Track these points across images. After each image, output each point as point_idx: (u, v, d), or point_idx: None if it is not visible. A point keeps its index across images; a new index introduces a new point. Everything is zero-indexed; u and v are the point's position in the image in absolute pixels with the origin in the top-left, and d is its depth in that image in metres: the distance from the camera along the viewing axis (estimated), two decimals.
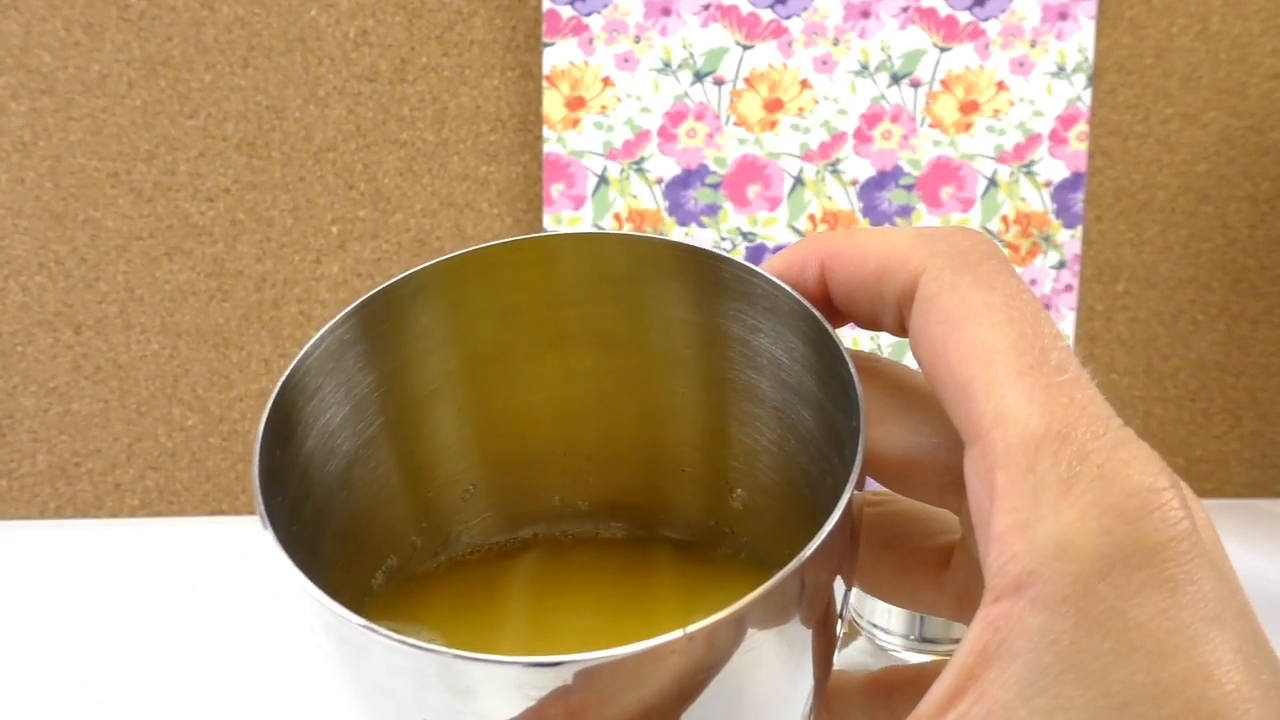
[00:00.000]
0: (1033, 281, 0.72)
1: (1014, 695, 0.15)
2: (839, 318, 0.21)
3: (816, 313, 0.20)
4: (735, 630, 0.16)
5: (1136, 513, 0.15)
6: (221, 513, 0.72)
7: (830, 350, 0.20)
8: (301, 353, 0.21)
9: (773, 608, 0.17)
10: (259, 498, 0.19)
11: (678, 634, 0.16)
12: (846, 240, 0.20)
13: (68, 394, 0.70)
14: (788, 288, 0.21)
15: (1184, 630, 0.15)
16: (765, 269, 0.21)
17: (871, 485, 0.22)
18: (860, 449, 0.18)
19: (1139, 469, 0.16)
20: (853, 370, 0.19)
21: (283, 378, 0.21)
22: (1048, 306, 0.73)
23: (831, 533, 0.17)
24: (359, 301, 0.22)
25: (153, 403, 0.71)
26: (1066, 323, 0.73)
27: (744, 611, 0.16)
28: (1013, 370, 0.16)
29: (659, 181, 0.70)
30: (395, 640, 0.17)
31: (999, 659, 0.15)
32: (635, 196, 0.70)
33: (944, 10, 0.69)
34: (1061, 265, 0.72)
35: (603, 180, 0.70)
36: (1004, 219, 0.71)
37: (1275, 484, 0.76)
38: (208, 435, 0.71)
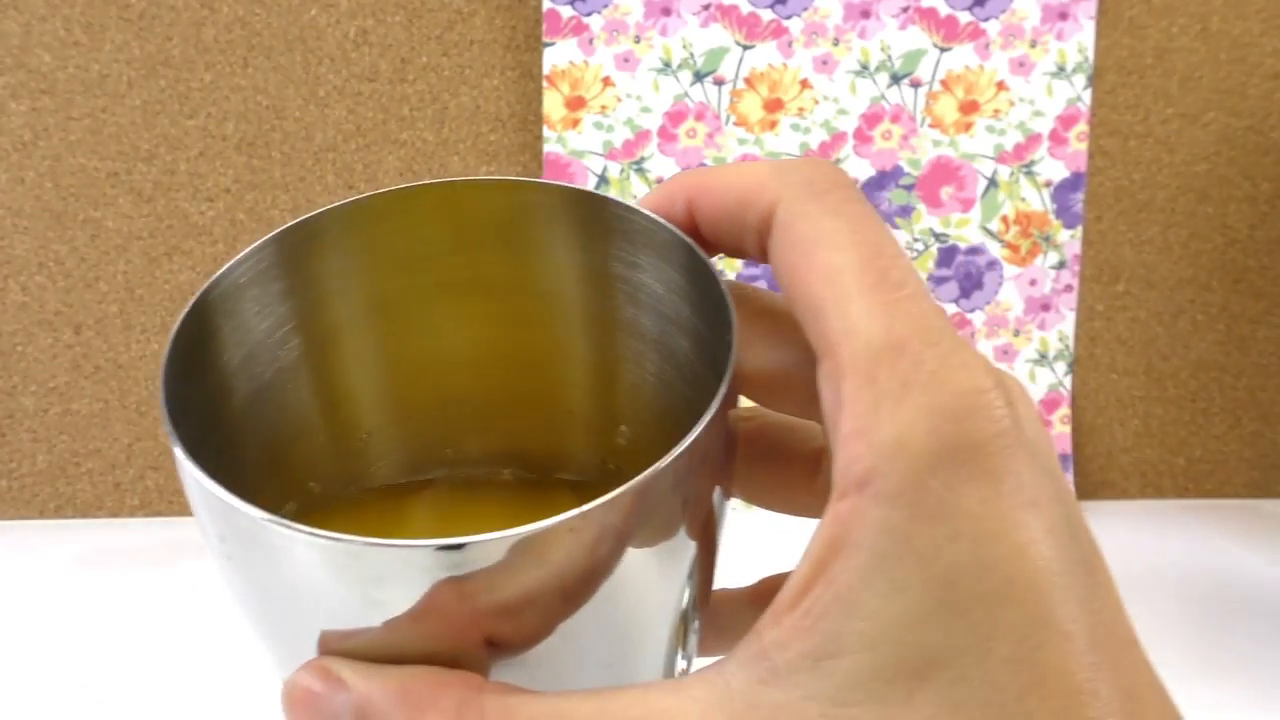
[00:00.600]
0: (1032, 282, 0.72)
1: (858, 580, 0.17)
2: (708, 248, 0.22)
3: (690, 241, 0.22)
4: (627, 510, 0.17)
5: (962, 412, 0.17)
6: None
7: (704, 275, 0.21)
8: (204, 286, 0.22)
9: (660, 493, 0.18)
10: (167, 420, 0.19)
11: (574, 512, 0.17)
12: (710, 175, 0.22)
13: (67, 394, 0.70)
14: (663, 221, 0.22)
15: (1004, 516, 0.17)
16: (640, 205, 0.23)
17: (746, 405, 0.23)
18: (731, 359, 0.20)
19: (966, 374, 0.17)
20: (724, 290, 0.21)
21: (182, 313, 0.21)
22: (1047, 307, 0.73)
23: (711, 420, 0.18)
24: (259, 242, 0.22)
25: (153, 402, 0.71)
26: (1067, 323, 0.73)
27: (636, 488, 0.17)
28: (856, 288, 0.18)
29: (659, 181, 0.70)
30: (305, 532, 0.17)
31: (844, 549, 0.17)
32: (635, 196, 0.70)
33: (944, 10, 0.69)
34: (1061, 265, 0.72)
35: (603, 180, 0.70)
36: (1004, 219, 0.71)
37: (1275, 484, 0.76)
38: None
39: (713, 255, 0.22)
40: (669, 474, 0.18)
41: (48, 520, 0.72)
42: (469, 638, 0.18)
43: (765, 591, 0.25)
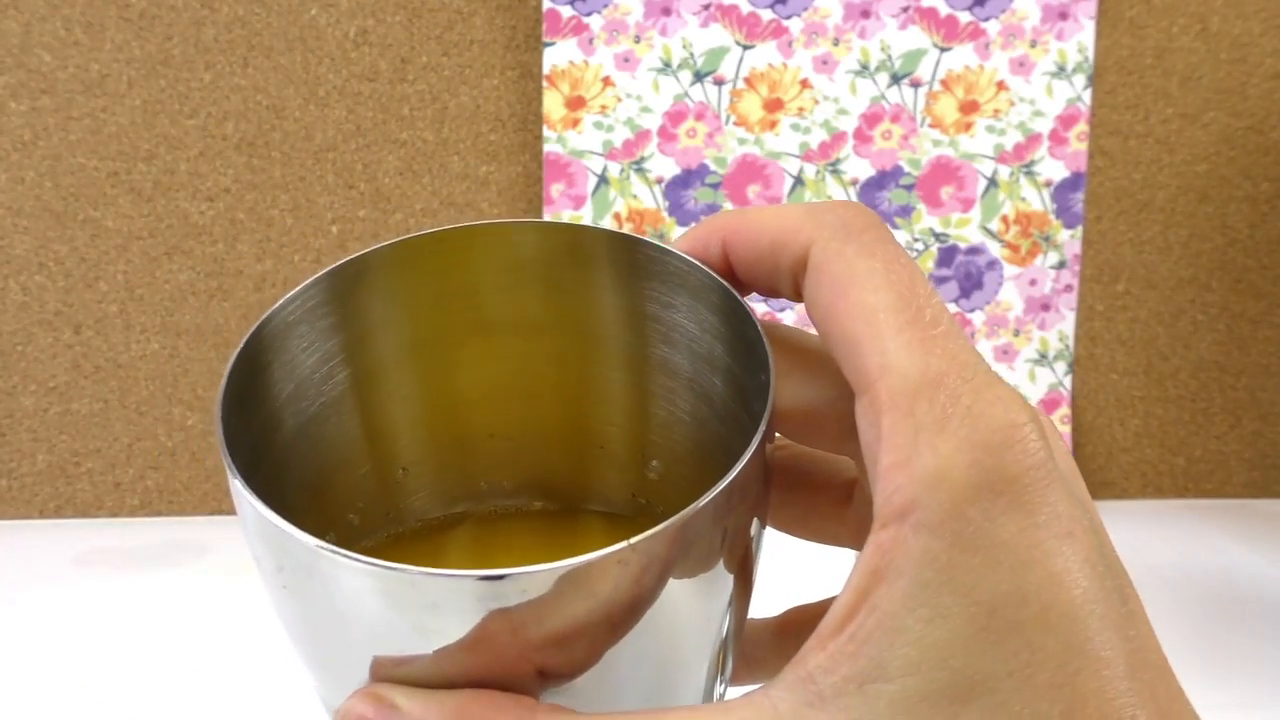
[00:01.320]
0: (1032, 282, 0.72)
1: (900, 606, 0.17)
2: (742, 288, 0.23)
3: (725, 283, 0.22)
4: (672, 542, 0.18)
5: (1000, 446, 0.17)
6: (221, 512, 0.72)
7: (739, 316, 0.22)
8: (257, 323, 0.23)
9: (702, 526, 0.18)
10: (225, 453, 0.20)
11: (622, 545, 0.17)
12: (743, 218, 0.22)
13: (67, 393, 0.70)
14: (698, 263, 0.23)
15: (1040, 546, 0.17)
16: (675, 247, 0.23)
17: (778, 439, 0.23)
18: (770, 397, 0.20)
19: (1002, 408, 0.18)
20: (760, 330, 0.21)
21: (236, 350, 0.22)
22: (1047, 307, 0.73)
23: (751, 456, 0.19)
24: (310, 280, 0.23)
25: (153, 402, 0.71)
26: (1067, 323, 0.73)
27: (681, 521, 0.18)
28: (893, 327, 0.19)
29: (659, 181, 0.70)
30: (361, 561, 0.18)
31: (887, 577, 0.18)
32: (635, 196, 0.70)
33: (944, 10, 0.69)
34: (1062, 265, 0.72)
35: (603, 180, 0.70)
36: (1004, 219, 0.71)
37: (1275, 484, 0.76)
38: (207, 435, 0.71)
39: (746, 295, 0.23)
40: (712, 508, 0.18)
41: (47, 520, 0.72)
42: (518, 666, 0.18)
43: (791, 623, 0.25)
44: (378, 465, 0.26)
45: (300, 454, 0.24)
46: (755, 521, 0.21)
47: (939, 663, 0.17)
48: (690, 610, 0.20)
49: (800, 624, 0.25)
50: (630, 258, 0.24)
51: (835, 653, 0.18)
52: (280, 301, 0.23)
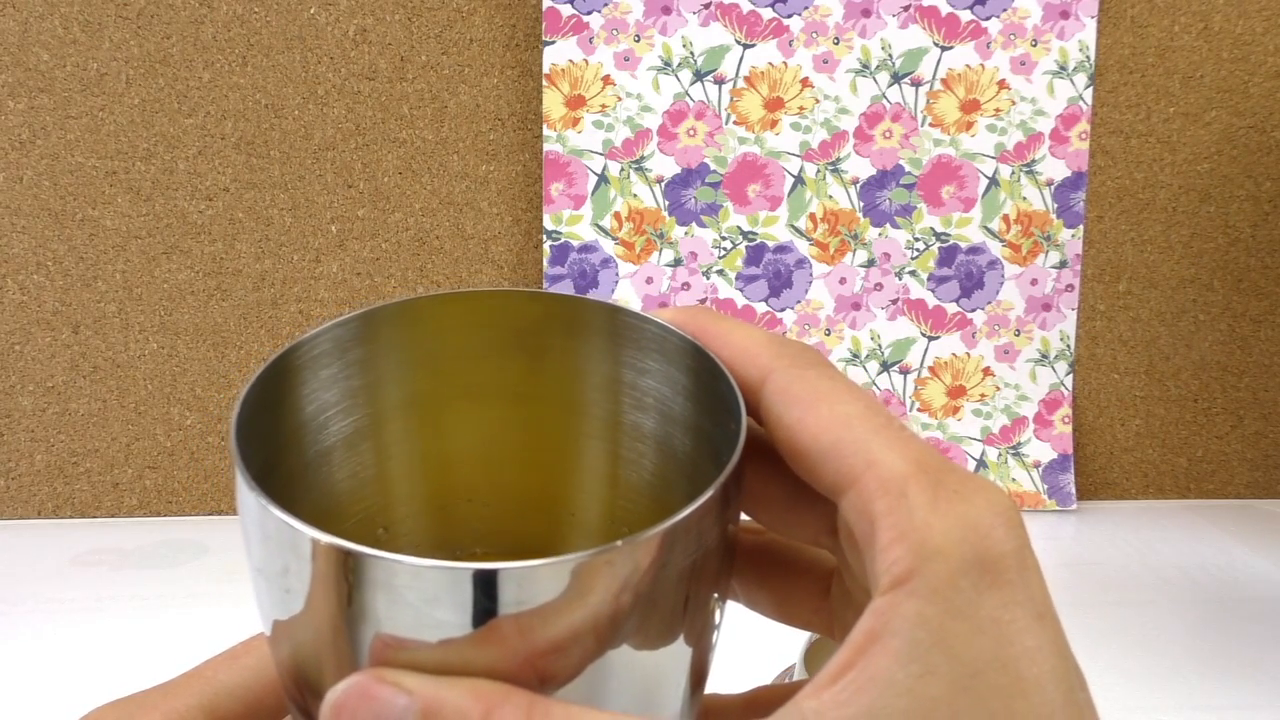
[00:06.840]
0: (1034, 281, 0.72)
1: (893, 663, 0.19)
2: None
3: (699, 344, 0.24)
4: (658, 547, 0.19)
5: (988, 528, 0.20)
6: (220, 512, 0.72)
7: (712, 372, 0.23)
8: (263, 368, 0.23)
9: (685, 531, 0.20)
10: (238, 458, 0.21)
11: (611, 545, 0.19)
12: (716, 325, 0.24)
13: (66, 393, 0.70)
14: (674, 327, 0.24)
15: (1017, 622, 0.20)
16: (656, 315, 0.25)
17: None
18: (740, 443, 0.22)
19: (985, 495, 0.20)
20: (733, 383, 0.23)
21: (246, 387, 0.23)
22: (1048, 306, 0.72)
23: (733, 470, 0.20)
24: (316, 330, 0.24)
25: (151, 402, 0.71)
26: (1068, 322, 0.73)
27: (666, 531, 0.19)
28: (870, 429, 0.21)
29: (659, 180, 0.70)
30: (366, 552, 0.18)
31: (883, 636, 0.19)
32: (635, 195, 0.70)
33: (945, 9, 0.69)
34: (1063, 265, 0.72)
35: (602, 179, 0.69)
36: (1005, 218, 0.71)
37: (1277, 484, 0.76)
38: (206, 435, 0.71)
39: None
40: (691, 519, 0.20)
41: (45, 520, 0.72)
42: (512, 663, 0.20)
43: (761, 700, 0.27)
44: (359, 523, 0.27)
45: (292, 499, 0.25)
46: (716, 596, 0.22)
47: (925, 714, 0.19)
48: (647, 675, 0.21)
49: (768, 702, 0.27)
50: (609, 325, 0.25)
51: (830, 700, 0.19)
52: (285, 348, 0.24)
